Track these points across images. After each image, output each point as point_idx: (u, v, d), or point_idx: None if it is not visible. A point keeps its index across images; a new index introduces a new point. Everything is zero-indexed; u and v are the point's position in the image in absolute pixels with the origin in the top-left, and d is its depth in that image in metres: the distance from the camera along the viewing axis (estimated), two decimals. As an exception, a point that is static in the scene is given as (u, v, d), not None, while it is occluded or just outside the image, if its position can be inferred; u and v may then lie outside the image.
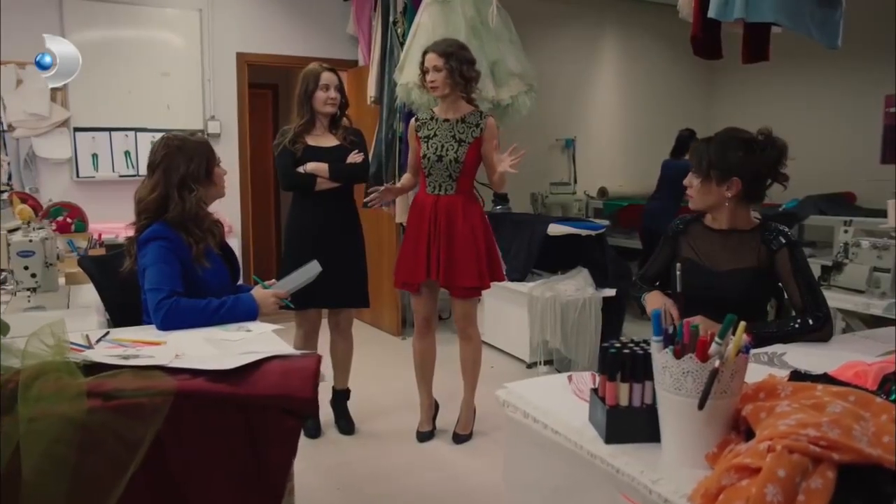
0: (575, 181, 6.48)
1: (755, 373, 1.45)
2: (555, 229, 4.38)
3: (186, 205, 2.14)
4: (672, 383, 1.10)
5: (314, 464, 2.99)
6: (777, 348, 1.79)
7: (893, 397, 1.24)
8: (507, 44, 4.23)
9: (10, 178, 4.12)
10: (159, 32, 4.87)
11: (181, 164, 2.16)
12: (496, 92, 4.21)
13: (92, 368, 1.47)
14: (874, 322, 2.63)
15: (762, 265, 1.97)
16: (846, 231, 2.81)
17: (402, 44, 4.44)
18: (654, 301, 2.06)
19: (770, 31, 2.58)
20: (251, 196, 5.35)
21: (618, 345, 1.23)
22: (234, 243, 5.00)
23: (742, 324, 1.08)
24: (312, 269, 2.36)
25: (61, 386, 1.35)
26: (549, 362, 4.26)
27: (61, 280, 2.67)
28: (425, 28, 4.10)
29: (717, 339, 1.08)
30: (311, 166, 3.07)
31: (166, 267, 2.04)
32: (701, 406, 1.05)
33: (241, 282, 2.43)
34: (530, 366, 4.31)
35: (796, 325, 1.89)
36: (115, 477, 1.32)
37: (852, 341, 1.95)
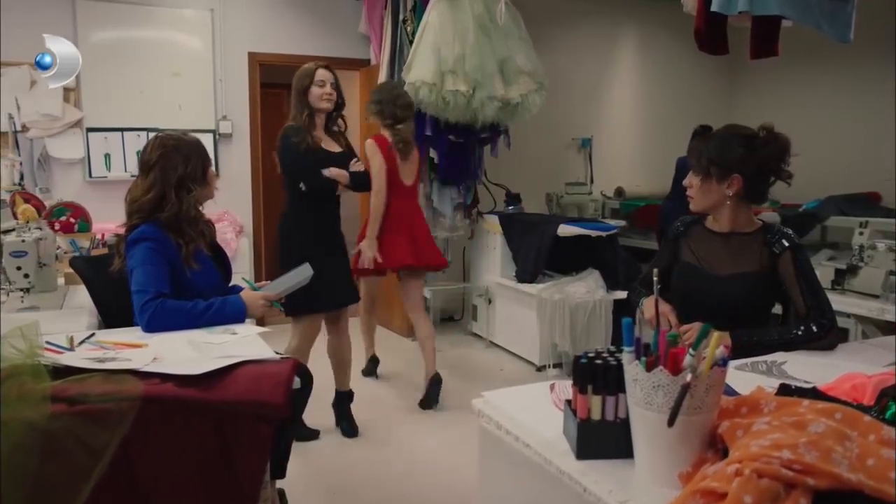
0: (591, 181, 6.36)
1: (752, 383, 1.38)
2: (565, 230, 4.29)
3: (183, 205, 2.12)
4: (643, 397, 1.03)
5: (312, 466, 2.96)
6: (777, 357, 1.71)
7: (889, 414, 1.15)
8: (516, 41, 4.16)
9: (22, 178, 4.15)
10: (171, 33, 4.88)
11: (179, 164, 2.14)
12: (505, 90, 4.15)
13: (66, 371, 1.44)
14: (889, 329, 2.51)
15: (765, 269, 1.89)
16: (861, 233, 2.68)
17: (411, 42, 4.39)
18: (652, 307, 1.99)
19: (780, 26, 2.48)
20: (263, 196, 5.34)
21: (591, 354, 1.17)
22: (245, 243, 5.00)
23: (717, 334, 1.01)
24: (304, 271, 2.31)
25: (25, 390, 1.32)
26: (558, 365, 4.19)
27: (60, 280, 2.67)
28: (433, 26, 4.05)
29: (690, 350, 1.01)
30: (334, 172, 3.06)
31: (153, 268, 2.02)
32: (670, 423, 0.98)
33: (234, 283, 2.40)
34: (540, 369, 4.24)
35: (799, 333, 1.80)
36: (77, 485, 1.29)
37: (859, 350, 1.85)
